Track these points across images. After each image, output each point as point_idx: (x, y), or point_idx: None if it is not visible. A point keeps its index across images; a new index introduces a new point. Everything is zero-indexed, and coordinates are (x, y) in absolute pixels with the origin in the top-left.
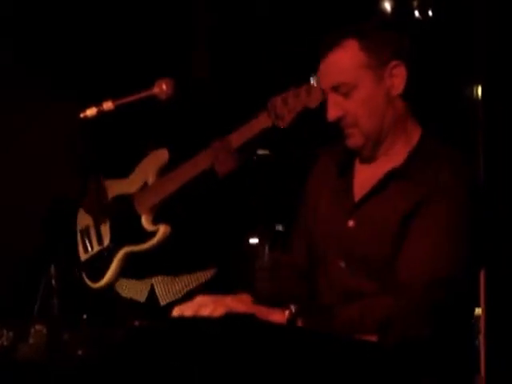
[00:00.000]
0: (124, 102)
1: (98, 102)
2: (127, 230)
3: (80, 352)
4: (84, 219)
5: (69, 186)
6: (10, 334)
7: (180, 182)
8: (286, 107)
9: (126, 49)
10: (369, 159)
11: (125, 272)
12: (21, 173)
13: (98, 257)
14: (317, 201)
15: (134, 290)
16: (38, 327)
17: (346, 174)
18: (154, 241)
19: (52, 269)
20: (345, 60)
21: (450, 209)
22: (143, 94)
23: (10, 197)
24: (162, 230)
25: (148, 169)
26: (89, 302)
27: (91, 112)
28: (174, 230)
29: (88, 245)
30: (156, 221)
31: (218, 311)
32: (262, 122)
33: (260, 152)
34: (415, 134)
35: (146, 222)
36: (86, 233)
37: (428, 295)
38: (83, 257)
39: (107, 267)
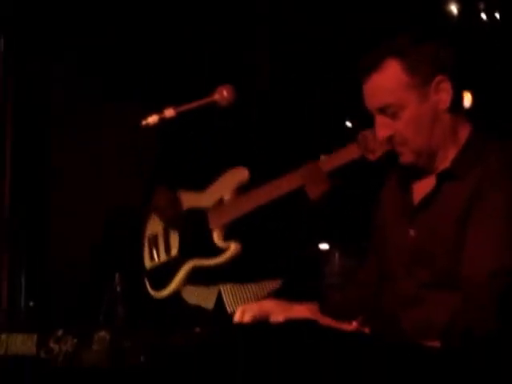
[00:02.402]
0: (185, 108)
1: (160, 110)
2: (197, 243)
3: (142, 359)
4: (154, 227)
5: (132, 194)
6: (74, 340)
7: (263, 201)
8: (376, 141)
9: (190, 58)
10: (427, 172)
11: (192, 278)
12: (84, 179)
13: (164, 266)
14: (385, 212)
15: (201, 296)
16: (101, 334)
17: (406, 184)
18: (224, 258)
19: (117, 276)
20: (388, 82)
21: (503, 198)
22: (204, 101)
23: (75, 203)
24: (233, 247)
25: (226, 185)
26: (153, 309)
27: (153, 120)
28: (245, 244)
29: (155, 253)
30: (227, 237)
31: (281, 316)
32: (351, 152)
33: None
34: (463, 134)
35: (217, 238)
36: (153, 241)
37: (491, 286)
38: (148, 265)
39: (172, 278)
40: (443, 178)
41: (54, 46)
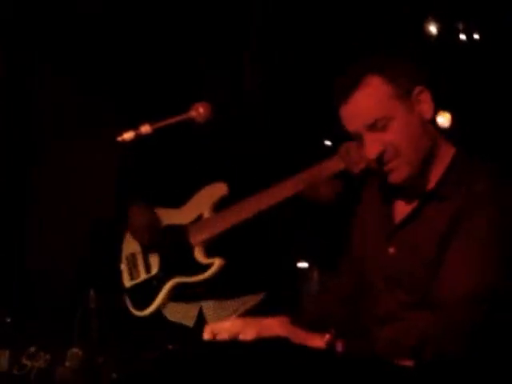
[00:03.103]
0: (161, 125)
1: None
2: (178, 260)
3: (114, 375)
4: (131, 245)
5: (108, 209)
6: (47, 356)
7: (245, 216)
8: (359, 154)
9: (171, 65)
10: (411, 190)
11: (174, 296)
12: (62, 195)
13: (145, 285)
14: (364, 227)
15: (182, 313)
16: (74, 350)
17: (387, 200)
18: (209, 274)
19: (91, 292)
20: (373, 96)
21: (485, 222)
22: (180, 118)
23: (51, 217)
24: (218, 263)
25: (204, 201)
26: (131, 326)
27: (129, 136)
28: (227, 260)
29: (134, 272)
30: (209, 253)
31: (250, 334)
32: (334, 165)
33: None
34: (448, 154)
35: (199, 255)
36: (132, 259)
37: (465, 312)
38: (128, 284)
39: (154, 296)
40: (426, 198)
41: (31, 56)
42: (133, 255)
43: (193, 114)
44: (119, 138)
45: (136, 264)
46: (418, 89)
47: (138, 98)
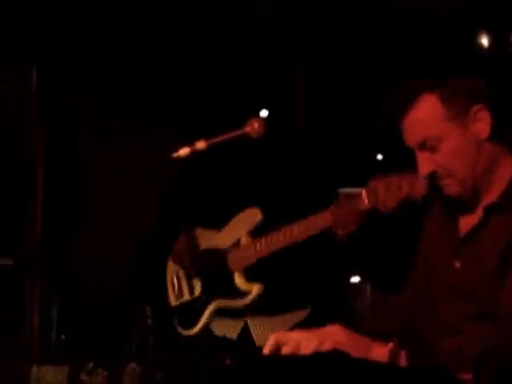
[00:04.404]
0: (216, 141)
1: (190, 142)
2: (219, 284)
3: None
4: (174, 266)
5: (157, 227)
6: (105, 372)
7: (281, 245)
8: (388, 193)
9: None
10: (471, 204)
11: (218, 315)
12: (111, 210)
13: (190, 306)
14: (430, 240)
15: (229, 328)
16: (131, 366)
17: (451, 213)
18: (247, 301)
19: (147, 308)
20: (426, 116)
21: None
22: (235, 133)
23: (101, 235)
24: (256, 290)
25: (241, 226)
26: (181, 341)
27: (184, 152)
28: (269, 285)
29: (179, 292)
30: (250, 276)
31: (325, 344)
32: (361, 202)
33: None
34: (509, 166)
35: (238, 280)
36: (177, 280)
37: None
38: (174, 303)
39: (198, 318)
40: (490, 211)
41: (79, 74)
42: (177, 275)
43: (247, 129)
44: (175, 155)
45: (180, 284)
46: (476, 107)
47: (189, 116)
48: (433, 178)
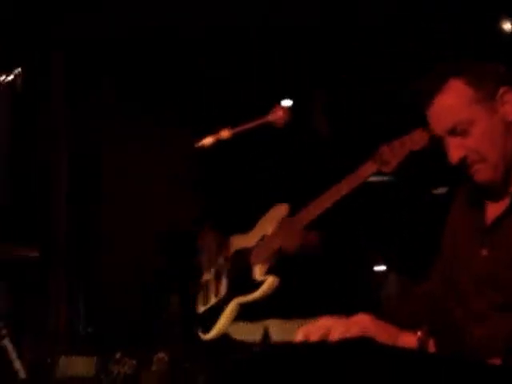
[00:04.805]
0: (241, 129)
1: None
2: (242, 281)
3: (201, 379)
4: (207, 274)
5: (182, 218)
6: (133, 362)
7: (303, 224)
8: (391, 154)
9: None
10: (499, 191)
11: (239, 316)
12: (135, 205)
13: (212, 309)
14: (455, 228)
15: (246, 332)
16: (160, 355)
17: (478, 202)
18: (261, 291)
19: (174, 297)
20: (454, 100)
21: None
22: (260, 121)
23: (126, 228)
24: (269, 280)
25: (268, 222)
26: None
27: (208, 141)
28: (288, 279)
29: (206, 298)
30: (270, 271)
31: (352, 331)
32: (368, 168)
33: None
34: None
35: (257, 272)
36: (206, 286)
37: None
38: (201, 309)
39: (218, 318)
40: None
41: (103, 74)
42: (206, 282)
43: (272, 117)
44: (199, 144)
45: (208, 290)
46: (502, 89)
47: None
48: (464, 165)
